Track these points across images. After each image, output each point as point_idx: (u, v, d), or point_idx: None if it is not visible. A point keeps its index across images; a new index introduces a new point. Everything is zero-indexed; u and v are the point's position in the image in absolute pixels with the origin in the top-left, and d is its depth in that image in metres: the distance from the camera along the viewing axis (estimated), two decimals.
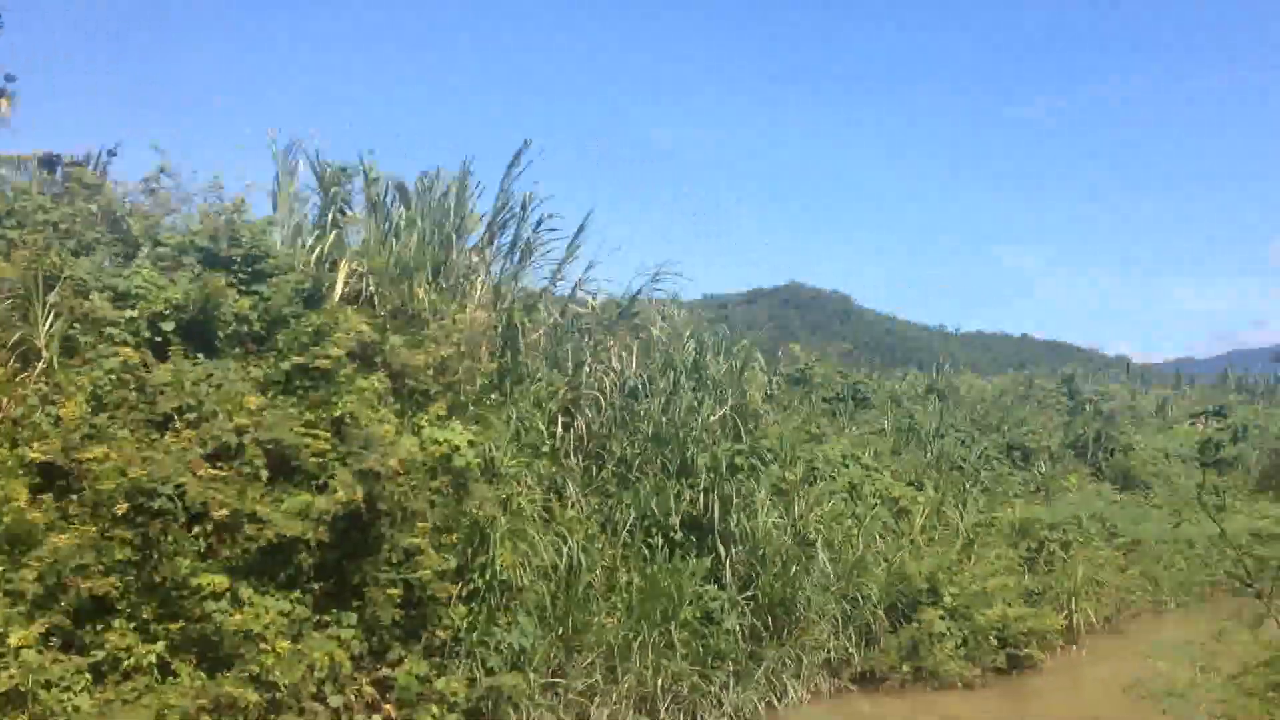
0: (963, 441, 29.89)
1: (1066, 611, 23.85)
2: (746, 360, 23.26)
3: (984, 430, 31.75)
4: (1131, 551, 28.19)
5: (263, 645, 12.36)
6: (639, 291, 21.59)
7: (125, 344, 13.15)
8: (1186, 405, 49.09)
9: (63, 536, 10.99)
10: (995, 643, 20.61)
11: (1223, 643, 10.38)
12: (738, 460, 19.76)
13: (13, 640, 10.24)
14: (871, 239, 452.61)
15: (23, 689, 10.17)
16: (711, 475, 19.10)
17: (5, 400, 11.86)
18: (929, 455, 27.98)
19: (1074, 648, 23.51)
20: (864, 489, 24.04)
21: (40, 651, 10.51)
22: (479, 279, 18.46)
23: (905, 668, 19.77)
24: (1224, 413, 43.33)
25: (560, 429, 18.45)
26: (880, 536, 22.51)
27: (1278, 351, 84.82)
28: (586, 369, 19.30)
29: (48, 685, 10.41)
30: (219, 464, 12.77)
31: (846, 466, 24.50)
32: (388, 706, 13.82)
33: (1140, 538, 27.41)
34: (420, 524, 14.47)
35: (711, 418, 20.33)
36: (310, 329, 14.52)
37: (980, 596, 21.00)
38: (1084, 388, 40.51)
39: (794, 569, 19.01)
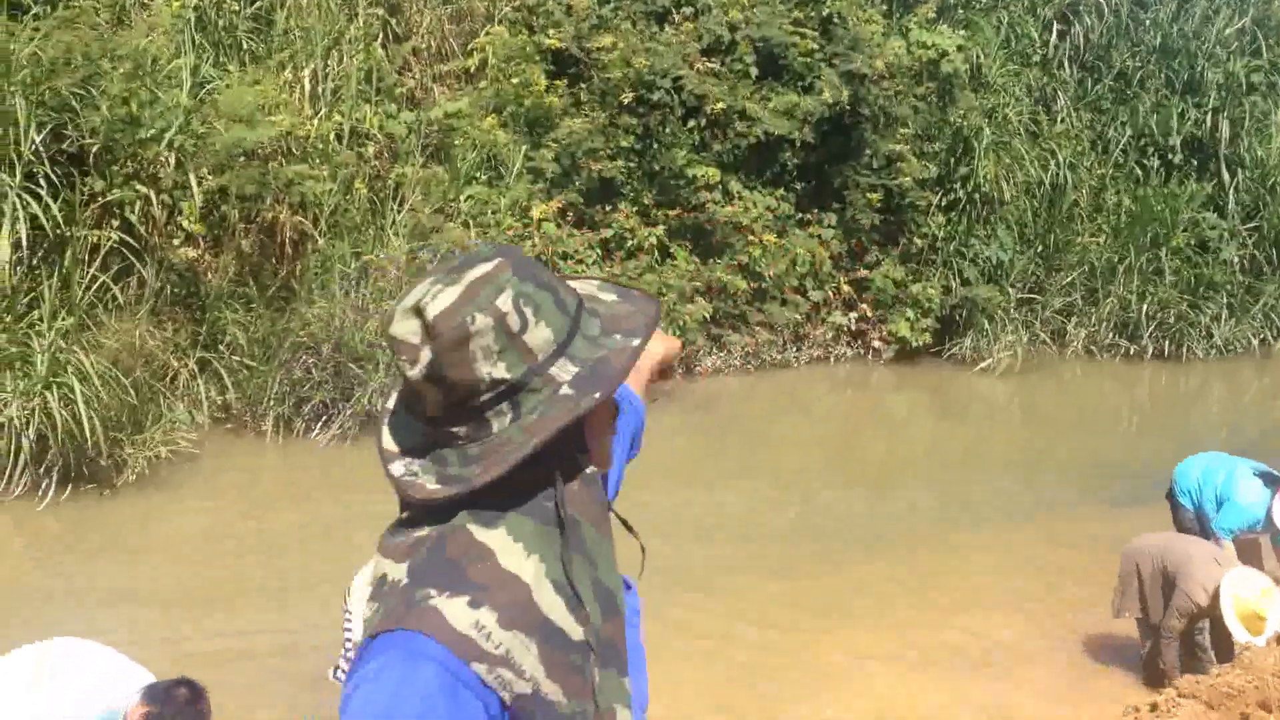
0: None
1: None
2: None
3: None
4: None
5: (750, 237, 12.91)
6: None
7: None
8: None
9: (576, 121, 11.76)
10: None
11: None
12: (1254, 78, 17.66)
13: (535, 214, 11.27)
14: None
15: (544, 257, 11.26)
16: (1223, 94, 17.25)
17: None
18: None
19: None
20: None
21: (558, 225, 11.52)
22: None
23: None
24: None
25: (1055, 37, 17.15)
26: None
27: None
28: None
29: (565, 256, 11.47)
30: (712, 59, 13.00)
31: None
32: (864, 306, 14.20)
33: None
34: (902, 130, 14.24)
35: (1228, 29, 18.08)
36: None
37: None
38: None
39: None
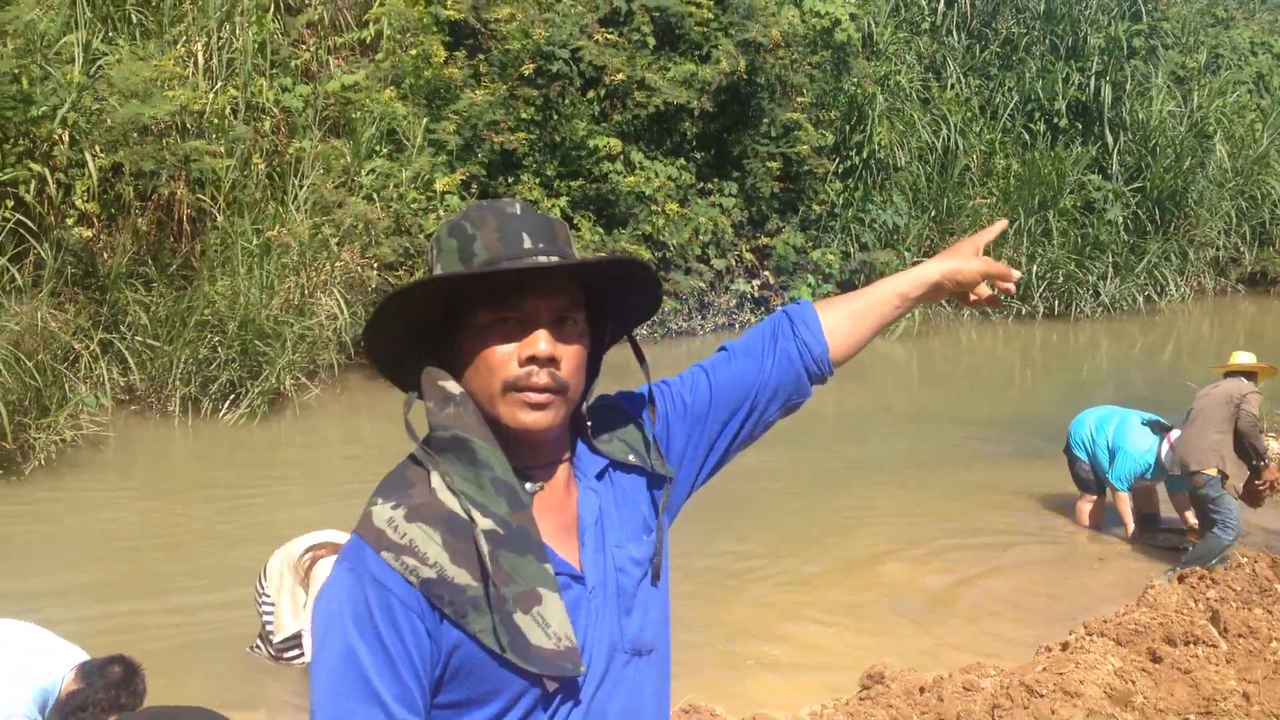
0: None
1: None
2: None
3: None
4: None
5: (654, 207, 13.01)
6: None
7: None
8: None
9: (477, 93, 11.72)
10: None
11: None
12: (1135, 42, 18.25)
13: (439, 186, 11.23)
14: None
15: None
16: (1105, 58, 17.80)
17: None
18: None
19: None
20: (1273, 80, 21.75)
21: (462, 198, 11.49)
22: None
23: None
24: None
25: (942, 4, 17.53)
26: None
27: None
28: None
29: None
30: (610, 30, 13.04)
31: (1255, 55, 22.13)
32: (766, 273, 14.42)
33: None
34: (799, 98, 14.44)
35: None
36: None
37: None
38: None
39: (1187, 162, 17.78)
